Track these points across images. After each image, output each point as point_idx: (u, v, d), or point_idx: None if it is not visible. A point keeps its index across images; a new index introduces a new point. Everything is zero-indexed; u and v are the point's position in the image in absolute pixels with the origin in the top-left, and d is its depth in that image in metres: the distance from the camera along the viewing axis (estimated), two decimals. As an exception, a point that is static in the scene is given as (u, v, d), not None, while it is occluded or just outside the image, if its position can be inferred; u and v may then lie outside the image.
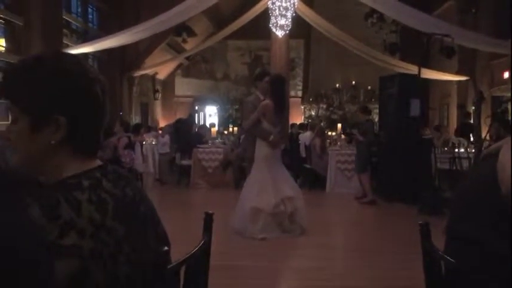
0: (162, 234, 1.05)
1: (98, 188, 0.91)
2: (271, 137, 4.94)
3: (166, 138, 9.82)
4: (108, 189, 0.92)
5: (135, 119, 13.33)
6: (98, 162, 1.00)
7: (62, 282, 0.82)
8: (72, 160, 0.96)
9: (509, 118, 9.43)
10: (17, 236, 0.79)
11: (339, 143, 9.55)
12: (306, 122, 13.67)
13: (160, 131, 11.06)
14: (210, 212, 1.31)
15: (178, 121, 10.35)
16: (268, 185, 4.87)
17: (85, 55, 11.09)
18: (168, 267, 0.93)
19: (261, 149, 5.00)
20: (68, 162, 0.95)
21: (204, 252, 1.20)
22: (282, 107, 5.11)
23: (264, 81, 5.17)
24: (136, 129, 8.67)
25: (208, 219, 1.29)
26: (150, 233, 0.99)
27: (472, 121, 10.34)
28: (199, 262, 1.15)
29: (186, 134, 9.84)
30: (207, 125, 12.68)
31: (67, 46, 9.67)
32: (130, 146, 8.06)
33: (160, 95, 15.91)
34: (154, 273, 0.95)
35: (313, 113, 15.45)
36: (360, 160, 7.48)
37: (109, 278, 0.86)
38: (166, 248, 0.93)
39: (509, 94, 10.44)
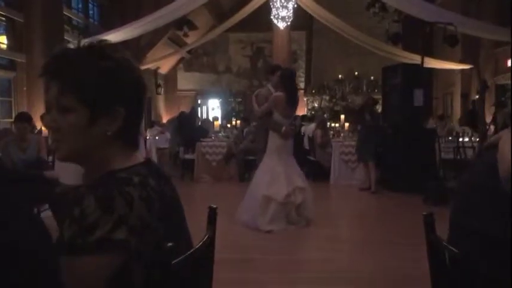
0: (188, 236, 1.06)
1: (147, 186, 0.90)
2: (283, 129, 4.99)
3: (167, 134, 9.82)
4: (153, 187, 0.91)
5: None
6: (141, 157, 1.00)
7: (107, 276, 0.82)
8: (120, 152, 0.96)
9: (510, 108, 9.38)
10: (18, 231, 0.79)
11: (342, 135, 9.53)
12: (308, 114, 13.65)
13: (160, 127, 11.04)
14: (214, 206, 1.31)
15: (181, 114, 10.34)
16: (280, 175, 4.92)
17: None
18: (172, 262, 0.93)
19: (273, 141, 5.06)
20: (117, 154, 0.95)
21: (208, 247, 1.20)
22: (293, 100, 5.18)
23: (276, 75, 5.24)
24: None
25: (212, 214, 1.29)
26: (185, 234, 1.01)
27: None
28: (203, 256, 1.15)
29: (189, 128, 9.84)
30: (210, 118, 12.69)
31: (68, 42, 9.66)
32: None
33: (162, 89, 15.90)
34: (158, 269, 0.94)
35: (316, 105, 15.40)
36: (366, 149, 7.45)
37: (145, 277, 0.86)
38: (170, 244, 0.92)
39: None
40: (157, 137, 9.93)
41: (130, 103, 0.95)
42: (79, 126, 0.92)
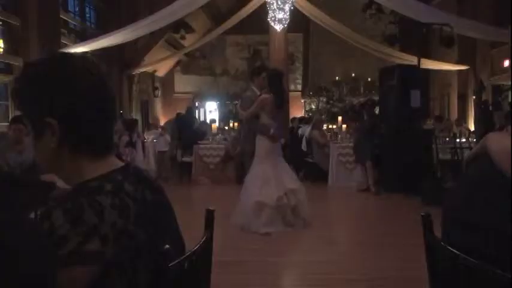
0: (179, 240, 1.03)
1: (120, 192, 0.88)
2: (272, 131, 4.93)
3: (167, 136, 9.80)
4: (129, 193, 0.90)
5: (135, 117, 13.32)
6: (119, 163, 0.98)
7: None
8: (89, 161, 0.94)
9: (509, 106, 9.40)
10: (13, 236, 0.79)
11: (339, 136, 9.54)
12: (306, 115, 13.66)
13: (160, 129, 10.99)
14: (211, 208, 1.30)
15: (178, 116, 10.31)
16: (270, 179, 4.87)
17: (83, 54, 11.08)
18: (170, 264, 0.92)
19: (262, 144, 4.99)
20: (86, 164, 0.93)
21: (206, 249, 1.20)
22: (281, 101, 5.11)
23: (261, 77, 5.18)
24: (131, 126, 8.56)
25: (210, 216, 1.28)
26: (168, 240, 0.96)
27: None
28: (200, 259, 1.15)
29: (187, 131, 9.83)
30: (208, 121, 12.67)
31: (65, 45, 9.65)
32: (131, 144, 8.08)
33: (160, 92, 15.88)
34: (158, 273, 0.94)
35: (313, 107, 15.42)
36: (364, 150, 7.46)
37: (128, 285, 0.84)
38: (167, 246, 0.91)
39: (510, 83, 10.41)
40: (155, 140, 9.91)
41: (68, 113, 0.91)
42: (33, 142, 0.95)
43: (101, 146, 0.96)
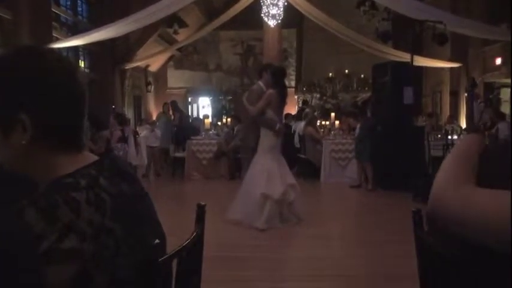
0: (160, 232, 1.02)
1: (95, 187, 0.87)
2: (278, 126, 5.01)
3: (157, 132, 9.76)
4: (105, 187, 0.88)
5: (128, 112, 13.25)
6: (93, 157, 0.96)
7: (64, 286, 0.80)
8: (62, 157, 0.92)
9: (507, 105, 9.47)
10: (3, 233, 0.78)
11: (332, 132, 9.56)
12: (297, 108, 13.68)
13: (148, 125, 10.94)
14: (203, 203, 1.30)
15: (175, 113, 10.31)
16: (275, 173, 4.96)
17: (75, 48, 10.99)
18: (160, 260, 0.92)
19: (267, 139, 5.07)
20: (58, 161, 0.92)
21: (197, 245, 1.19)
22: (284, 98, 5.23)
23: (268, 73, 5.28)
24: (123, 120, 8.51)
25: (201, 211, 1.28)
26: (148, 232, 0.95)
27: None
28: (191, 255, 1.14)
29: (180, 126, 9.84)
30: (201, 116, 12.65)
31: (57, 39, 9.56)
32: (123, 139, 8.03)
33: (152, 87, 15.80)
34: (144, 267, 0.93)
35: (304, 100, 15.40)
36: (366, 148, 7.48)
37: (109, 280, 0.83)
38: (157, 241, 0.91)
39: (502, 80, 10.49)
40: (146, 135, 9.87)
41: (39, 108, 0.89)
42: (0, 139, 0.91)
43: (73, 142, 0.95)
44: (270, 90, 5.11)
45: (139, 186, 1.00)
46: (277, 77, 5.18)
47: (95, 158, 0.96)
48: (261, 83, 5.47)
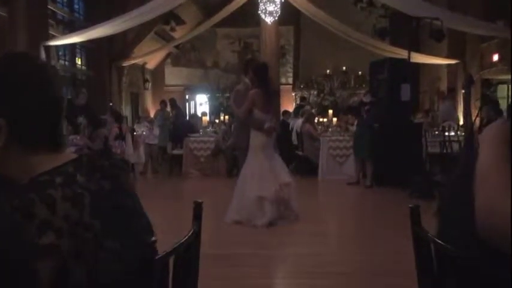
0: (146, 226, 1.01)
1: (72, 184, 0.87)
2: (266, 125, 4.94)
3: (156, 130, 9.75)
4: (82, 184, 0.89)
5: (125, 110, 13.22)
6: (72, 156, 0.96)
7: (43, 283, 0.80)
8: (38, 158, 0.93)
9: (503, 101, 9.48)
10: None
11: (330, 129, 9.56)
12: (296, 107, 13.67)
13: (147, 123, 10.91)
14: (200, 200, 1.29)
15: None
16: (267, 173, 4.91)
17: (72, 46, 10.95)
18: (156, 258, 0.91)
19: (256, 138, 5.00)
20: (35, 162, 0.92)
21: (194, 242, 1.19)
22: (270, 94, 5.10)
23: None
24: (120, 118, 8.46)
25: (198, 208, 1.28)
26: (133, 225, 0.96)
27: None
28: (188, 252, 1.14)
29: (178, 124, 9.82)
30: (198, 114, 12.63)
31: (53, 37, 9.53)
32: (121, 136, 8.01)
33: (150, 84, 15.78)
34: (140, 265, 0.92)
35: (305, 96, 15.39)
36: (365, 144, 7.46)
37: (91, 275, 0.84)
38: (154, 238, 0.91)
39: (499, 77, 10.51)
40: (144, 133, 9.86)
41: (14, 111, 0.91)
42: None
43: (50, 142, 0.96)
44: (253, 90, 4.99)
45: (122, 182, 1.00)
46: (260, 74, 5.03)
47: (73, 156, 0.97)
48: (246, 80, 5.35)
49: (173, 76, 16.53)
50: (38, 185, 0.86)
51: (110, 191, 0.93)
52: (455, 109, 10.47)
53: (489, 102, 8.38)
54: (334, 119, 10.07)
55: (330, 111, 10.77)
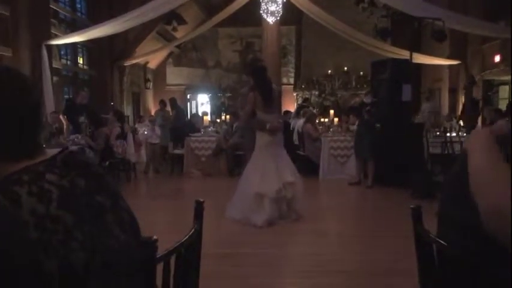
0: (127, 221, 1.02)
1: (39, 181, 0.89)
2: (268, 126, 4.97)
3: (157, 130, 9.76)
4: (51, 181, 0.90)
5: (127, 109, 13.23)
6: (46, 156, 0.98)
7: (16, 275, 0.81)
8: (13, 165, 0.93)
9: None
10: None
11: (331, 129, 9.56)
12: (296, 105, 13.66)
13: (149, 122, 10.90)
14: (201, 200, 1.30)
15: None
16: (270, 171, 4.92)
17: (74, 45, 10.96)
18: (158, 256, 0.92)
19: (262, 138, 5.04)
20: (9, 167, 0.93)
21: (195, 241, 1.19)
22: (269, 94, 5.07)
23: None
24: (122, 117, 8.46)
25: (199, 208, 1.28)
26: (110, 220, 0.97)
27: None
28: (189, 251, 1.14)
29: (179, 123, 9.81)
30: (200, 113, 12.63)
31: (55, 36, 9.54)
32: (122, 135, 8.02)
33: (151, 84, 15.79)
34: (136, 263, 0.93)
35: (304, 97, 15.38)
36: (366, 144, 7.45)
37: (63, 265, 0.85)
38: (154, 237, 0.91)
39: (501, 78, 10.49)
40: (146, 132, 9.87)
41: None
42: None
43: (26, 149, 0.97)
44: (251, 93, 5.03)
45: (102, 180, 1.02)
46: (257, 77, 5.05)
47: (49, 156, 0.98)
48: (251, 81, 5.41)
49: (174, 76, 16.54)
50: (5, 183, 0.88)
51: (84, 188, 0.95)
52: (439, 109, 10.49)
53: (491, 104, 8.39)
54: (336, 119, 10.07)
55: (332, 112, 10.77)
